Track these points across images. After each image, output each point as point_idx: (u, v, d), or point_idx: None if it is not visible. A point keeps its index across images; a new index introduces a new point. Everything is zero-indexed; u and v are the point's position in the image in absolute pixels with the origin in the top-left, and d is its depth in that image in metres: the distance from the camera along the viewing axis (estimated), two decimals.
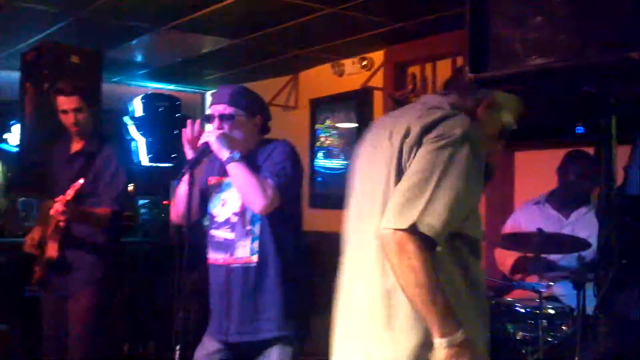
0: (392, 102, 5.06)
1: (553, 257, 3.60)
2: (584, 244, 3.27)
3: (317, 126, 5.71)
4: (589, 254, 3.25)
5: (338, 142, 5.54)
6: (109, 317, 3.44)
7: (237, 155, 2.49)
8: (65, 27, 4.59)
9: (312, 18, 4.31)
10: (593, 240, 3.18)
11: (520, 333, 3.13)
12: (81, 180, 3.15)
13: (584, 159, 3.68)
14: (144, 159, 6.18)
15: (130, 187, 4.07)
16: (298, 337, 2.58)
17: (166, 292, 5.21)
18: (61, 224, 3.27)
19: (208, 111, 2.68)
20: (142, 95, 6.34)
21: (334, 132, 5.57)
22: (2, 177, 8.92)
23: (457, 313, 1.64)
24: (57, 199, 3.12)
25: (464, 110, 1.81)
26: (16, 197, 7.90)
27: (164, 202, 7.29)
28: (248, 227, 2.57)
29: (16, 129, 6.74)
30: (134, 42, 5.06)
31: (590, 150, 3.71)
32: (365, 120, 5.29)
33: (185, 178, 2.51)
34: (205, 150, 2.55)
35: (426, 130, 1.72)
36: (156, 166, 6.29)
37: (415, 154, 1.72)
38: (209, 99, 6.65)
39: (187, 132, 2.62)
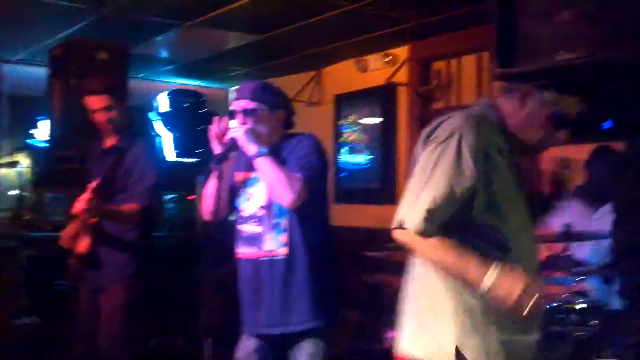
0: (417, 97, 5.04)
1: (581, 252, 3.57)
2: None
3: (341, 122, 5.71)
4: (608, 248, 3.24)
5: (362, 137, 5.54)
6: (139, 312, 3.45)
7: (264, 150, 2.50)
8: (91, 24, 4.64)
9: (336, 14, 4.30)
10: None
11: (550, 328, 3.11)
12: (98, 180, 3.17)
13: (612, 154, 3.64)
14: (170, 155, 6.23)
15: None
16: (328, 328, 2.59)
17: (193, 286, 5.27)
18: (90, 220, 3.31)
19: (232, 107, 2.69)
20: (168, 91, 6.39)
21: (358, 127, 5.57)
22: (30, 172, 9.05)
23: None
24: (80, 206, 3.15)
25: (500, 107, 1.84)
26: (44, 192, 8.02)
27: (190, 197, 7.36)
28: (275, 221, 2.58)
29: (44, 124, 6.84)
30: (159, 38, 5.10)
31: (619, 146, 3.66)
32: (389, 116, 5.28)
33: (213, 174, 2.52)
34: (232, 146, 2.56)
35: (427, 135, 1.88)
36: (182, 161, 6.34)
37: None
38: (232, 94, 6.68)
39: (213, 128, 2.63)
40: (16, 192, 9.06)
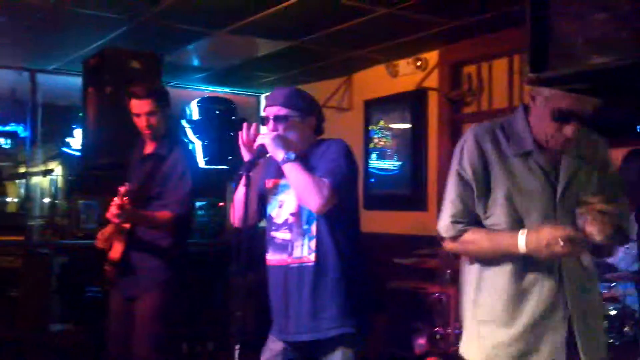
0: (447, 102, 5.01)
1: (613, 259, 3.51)
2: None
3: (371, 127, 5.69)
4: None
5: (392, 143, 5.52)
6: (172, 319, 3.46)
7: (292, 155, 2.50)
8: (124, 33, 4.70)
9: (366, 19, 4.30)
10: None
11: None
12: (127, 185, 3.19)
13: None
14: (201, 162, 6.29)
15: None
16: (358, 335, 2.58)
17: (223, 292, 5.31)
18: (123, 225, 3.33)
19: (262, 113, 2.70)
20: (199, 98, 6.46)
21: (388, 133, 5.55)
22: (63, 180, 9.20)
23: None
24: (114, 211, 3.17)
25: (529, 110, 2.04)
26: (77, 200, 8.14)
27: (220, 204, 7.41)
28: (305, 227, 2.57)
29: (78, 133, 6.95)
30: (191, 46, 5.15)
31: None
32: (419, 121, 5.25)
33: (243, 180, 2.53)
34: (261, 152, 2.56)
35: None
36: (212, 168, 6.39)
37: None
38: (264, 101, 6.71)
39: (243, 135, 2.64)
40: (50, 200, 9.23)
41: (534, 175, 2.02)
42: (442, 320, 4.04)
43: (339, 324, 2.54)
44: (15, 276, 5.36)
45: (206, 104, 6.41)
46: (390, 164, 5.51)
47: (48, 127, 6.50)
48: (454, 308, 3.94)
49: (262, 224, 2.79)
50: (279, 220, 2.65)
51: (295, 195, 2.58)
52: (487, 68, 4.79)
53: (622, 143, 3.78)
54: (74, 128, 7.40)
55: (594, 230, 1.84)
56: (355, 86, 5.93)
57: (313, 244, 2.55)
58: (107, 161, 4.45)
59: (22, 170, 7.42)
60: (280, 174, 2.60)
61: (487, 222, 2.07)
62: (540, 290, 2.01)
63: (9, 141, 7.54)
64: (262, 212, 2.73)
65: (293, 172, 2.49)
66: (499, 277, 2.07)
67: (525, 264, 2.01)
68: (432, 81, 5.11)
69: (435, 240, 4.63)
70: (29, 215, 6.70)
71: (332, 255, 2.55)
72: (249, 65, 5.72)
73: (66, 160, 8.57)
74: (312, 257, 2.55)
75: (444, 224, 2.12)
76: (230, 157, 6.22)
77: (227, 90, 6.79)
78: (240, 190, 2.60)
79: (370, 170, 5.64)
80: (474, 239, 2.06)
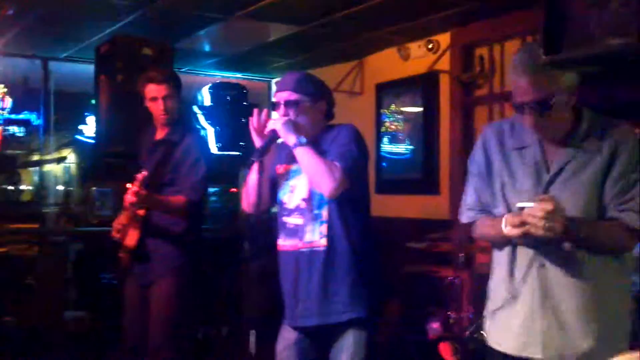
0: (459, 85, 4.98)
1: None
2: None
3: (383, 111, 5.68)
4: None
5: (403, 126, 5.50)
6: (187, 304, 3.48)
7: (303, 140, 2.50)
8: (135, 19, 4.70)
9: (378, 2, 4.27)
10: None
11: None
12: (144, 171, 3.21)
13: None
14: (213, 148, 6.30)
15: None
16: (369, 319, 2.59)
17: (236, 278, 5.33)
18: (139, 212, 3.34)
19: (273, 99, 2.70)
20: (210, 84, 6.46)
21: (400, 116, 5.53)
22: (77, 167, 9.26)
23: None
24: (130, 197, 3.19)
25: None
26: (91, 187, 8.19)
27: (232, 189, 7.43)
28: (316, 212, 2.58)
29: (91, 120, 6.99)
30: (201, 32, 5.15)
31: None
32: (431, 105, 5.23)
33: (255, 166, 2.54)
34: (272, 138, 2.57)
35: None
36: (224, 154, 6.40)
37: None
38: (275, 86, 6.70)
39: (254, 121, 2.65)
40: (64, 187, 9.28)
41: (527, 168, 2.06)
42: (455, 305, 4.04)
43: (350, 308, 2.55)
44: (30, 264, 5.41)
45: (218, 90, 6.42)
46: (402, 148, 5.49)
47: (61, 115, 6.53)
48: (467, 292, 3.94)
49: (274, 209, 2.80)
50: (290, 205, 2.66)
51: (307, 180, 2.58)
52: (499, 50, 4.75)
53: (636, 125, 3.74)
54: (87, 115, 7.43)
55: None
56: (367, 70, 5.90)
57: (324, 228, 2.56)
58: (120, 148, 4.47)
59: (35, 158, 7.46)
60: (292, 160, 2.60)
61: (495, 212, 2.14)
62: (525, 278, 2.05)
63: (22, 129, 7.59)
64: (273, 197, 2.74)
65: (305, 156, 2.49)
66: (500, 262, 2.15)
67: (514, 250, 2.08)
68: (444, 64, 5.07)
69: (447, 224, 4.68)
70: (43, 203, 6.76)
71: (342, 239, 2.56)
72: (260, 50, 5.71)
73: (79, 147, 8.61)
74: (323, 241, 2.56)
75: (460, 212, 2.28)
76: (242, 143, 6.23)
77: (239, 75, 6.79)
78: (252, 176, 2.60)
79: (382, 154, 5.62)
80: (483, 225, 2.19)
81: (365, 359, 2.56)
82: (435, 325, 4.12)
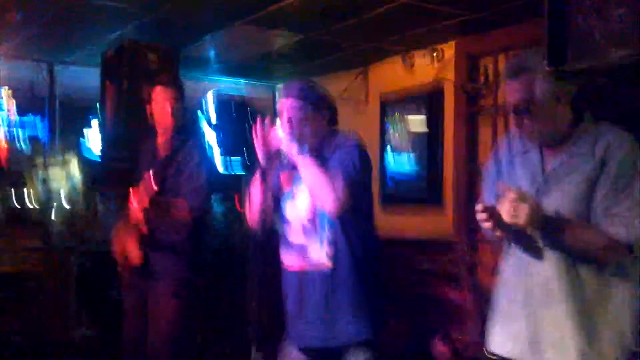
0: (463, 94, 4.97)
1: None
2: None
3: (387, 119, 5.67)
4: None
5: (407, 135, 5.49)
6: (189, 318, 3.45)
7: (306, 149, 2.50)
8: (141, 25, 4.71)
9: (383, 10, 4.28)
10: None
11: None
12: (155, 187, 3.19)
13: None
14: (216, 154, 6.30)
15: None
16: (375, 340, 2.56)
17: (239, 291, 5.30)
18: (143, 229, 3.32)
19: (277, 106, 2.71)
20: (214, 90, 6.46)
21: (404, 125, 5.52)
22: (80, 171, 9.26)
23: None
24: (133, 205, 3.17)
25: None
26: (95, 191, 8.18)
27: (235, 195, 7.42)
28: (320, 231, 2.57)
29: (96, 125, 6.99)
30: (206, 38, 5.15)
31: None
32: (435, 114, 5.23)
33: (257, 175, 2.53)
34: (275, 148, 2.57)
35: None
36: (228, 161, 6.40)
37: None
38: (278, 93, 6.71)
39: (257, 128, 2.65)
40: (67, 192, 9.29)
41: (526, 171, 2.09)
42: (461, 325, 4.01)
43: (356, 330, 2.53)
44: (36, 280, 5.39)
45: (221, 96, 6.42)
46: (406, 157, 5.48)
47: (66, 121, 6.54)
48: (473, 314, 3.92)
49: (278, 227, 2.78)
50: (293, 223, 2.64)
51: (309, 198, 2.57)
52: (504, 60, 4.75)
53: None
54: (92, 119, 7.43)
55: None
56: (371, 78, 5.90)
57: (328, 248, 2.55)
58: (124, 154, 4.47)
59: (39, 162, 7.46)
60: (294, 175, 2.60)
61: None
62: (517, 285, 2.10)
63: (26, 133, 7.59)
64: (276, 213, 2.73)
65: (307, 170, 2.49)
66: (501, 268, 2.23)
67: (512, 257, 2.15)
68: (449, 73, 5.07)
69: (451, 245, 4.62)
70: (47, 208, 6.75)
71: (347, 259, 2.54)
72: (265, 57, 5.72)
73: (83, 153, 8.61)
74: (328, 261, 2.54)
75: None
76: (245, 150, 6.23)
77: (243, 82, 6.79)
78: (256, 189, 2.60)
79: (386, 163, 5.62)
80: None
81: None
82: (440, 346, 4.10)
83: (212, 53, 5.72)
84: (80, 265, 5.76)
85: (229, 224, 7.16)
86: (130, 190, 3.23)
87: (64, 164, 7.12)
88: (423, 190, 5.29)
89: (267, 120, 2.65)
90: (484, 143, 4.85)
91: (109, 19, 4.63)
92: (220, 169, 6.27)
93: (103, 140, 5.12)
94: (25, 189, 8.46)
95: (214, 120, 6.37)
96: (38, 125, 7.12)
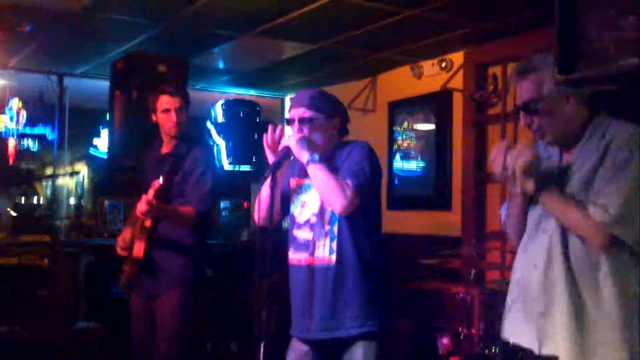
0: (472, 103, 4.98)
1: None
2: None
3: (395, 128, 5.69)
4: None
5: (416, 144, 5.51)
6: (195, 317, 3.48)
7: (316, 157, 2.52)
8: (151, 37, 4.75)
9: (392, 21, 4.30)
10: None
11: None
12: (161, 180, 3.22)
13: None
14: (225, 163, 6.33)
15: None
16: (380, 334, 2.58)
17: (247, 292, 5.33)
18: (146, 223, 3.36)
19: (287, 115, 2.72)
20: (224, 101, 6.50)
21: (412, 134, 5.54)
22: (89, 181, 9.33)
23: None
24: (141, 198, 3.21)
25: None
26: (103, 201, 8.25)
27: (244, 204, 7.45)
28: (327, 227, 2.59)
29: (105, 135, 7.05)
30: (216, 49, 5.19)
31: None
32: (443, 122, 5.24)
33: (268, 181, 2.55)
34: (286, 154, 2.58)
35: None
36: (237, 169, 6.43)
37: None
38: (288, 103, 6.74)
39: (267, 137, 2.67)
40: (76, 201, 9.36)
41: (548, 174, 2.08)
42: (465, 321, 4.03)
43: (360, 322, 2.55)
44: (42, 275, 5.44)
45: (231, 106, 6.46)
46: (414, 165, 5.50)
47: (75, 130, 6.60)
48: (477, 308, 3.93)
49: (286, 224, 2.81)
50: (300, 219, 2.67)
51: (318, 196, 2.59)
52: (513, 69, 4.75)
53: None
54: (101, 130, 7.50)
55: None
56: (380, 87, 5.92)
57: (335, 244, 2.57)
58: (132, 163, 4.50)
59: (49, 172, 7.53)
60: (304, 174, 2.62)
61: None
62: (526, 276, 2.11)
63: (37, 143, 7.66)
64: (285, 211, 2.75)
65: (317, 173, 2.51)
66: (515, 260, 2.25)
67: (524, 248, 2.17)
68: (457, 82, 5.08)
69: (458, 241, 4.66)
70: (55, 216, 6.81)
71: (353, 256, 2.56)
72: (274, 67, 5.75)
73: (92, 162, 8.69)
74: (334, 257, 2.56)
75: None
76: (254, 159, 6.26)
77: (252, 92, 6.83)
78: (265, 190, 2.62)
79: (394, 171, 5.63)
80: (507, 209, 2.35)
81: None
82: (445, 341, 4.11)
83: (221, 63, 5.76)
84: (86, 261, 5.78)
85: (236, 224, 7.20)
86: (142, 195, 3.25)
87: (73, 172, 7.19)
88: (431, 196, 5.31)
89: (278, 129, 2.67)
90: (492, 150, 4.84)
91: (119, 31, 4.67)
92: (227, 173, 6.31)
93: (112, 149, 5.14)
94: (35, 198, 8.54)
95: (223, 130, 6.40)
96: (48, 134, 7.19)
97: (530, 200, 2.12)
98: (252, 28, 4.58)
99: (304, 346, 2.67)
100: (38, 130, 7.57)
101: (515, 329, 2.13)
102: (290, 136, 2.59)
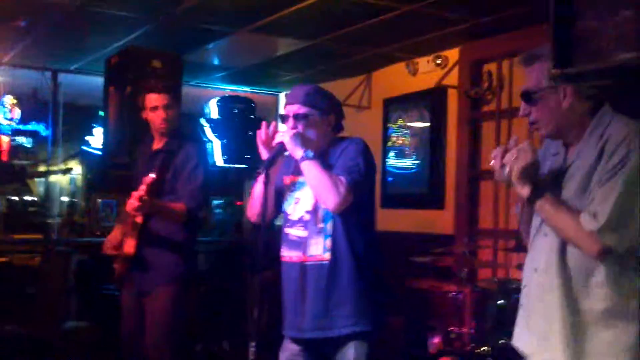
0: (467, 100, 4.98)
1: None
2: None
3: (390, 125, 5.68)
4: None
5: (410, 141, 5.50)
6: (186, 315, 3.48)
7: (310, 153, 2.51)
8: (145, 33, 4.73)
9: (387, 17, 4.29)
10: None
11: None
12: (153, 175, 3.21)
13: None
14: (219, 160, 6.31)
15: None
16: (372, 333, 2.58)
17: (240, 290, 5.33)
18: (137, 219, 3.34)
19: (282, 111, 2.71)
20: (218, 97, 6.48)
21: (407, 131, 5.53)
22: (82, 179, 9.28)
23: None
24: (132, 194, 3.20)
25: None
26: (96, 199, 8.21)
27: (238, 202, 7.44)
28: (320, 225, 2.58)
29: (98, 132, 7.01)
30: (210, 45, 5.17)
31: None
32: (438, 119, 5.23)
33: (261, 177, 2.54)
34: (280, 150, 2.58)
35: None
36: (230, 167, 6.41)
37: None
38: (283, 100, 6.72)
39: (262, 133, 2.66)
40: (69, 198, 9.30)
41: (552, 173, 2.05)
42: (457, 320, 4.02)
43: (353, 322, 2.54)
44: (33, 273, 5.41)
45: (225, 102, 6.44)
46: (408, 163, 5.49)
47: (69, 126, 6.56)
48: (469, 307, 3.93)
49: (279, 222, 2.79)
50: (294, 217, 2.66)
51: (312, 193, 2.58)
52: (508, 66, 4.76)
53: None
54: (94, 127, 7.46)
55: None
56: (375, 84, 5.92)
57: (329, 242, 2.56)
58: (126, 160, 4.48)
59: (42, 169, 7.48)
60: (298, 171, 2.61)
61: None
62: (526, 282, 2.11)
63: (30, 140, 7.62)
64: (278, 208, 2.74)
65: (311, 170, 2.50)
66: None
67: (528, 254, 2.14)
68: (452, 79, 5.08)
69: (450, 239, 4.65)
70: (48, 213, 6.77)
71: (347, 254, 2.55)
72: (269, 64, 5.73)
73: (85, 159, 8.64)
74: (327, 255, 2.55)
75: None
76: (248, 156, 6.24)
77: (247, 89, 6.81)
78: (258, 186, 2.61)
79: (388, 168, 5.62)
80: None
81: None
82: (436, 340, 4.10)
83: (216, 60, 5.74)
84: (77, 259, 5.75)
85: (230, 221, 7.17)
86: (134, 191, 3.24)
87: (66, 169, 7.15)
88: (425, 194, 5.30)
89: (272, 125, 2.66)
90: (486, 148, 4.86)
91: (114, 26, 4.65)
92: (221, 171, 6.29)
93: (106, 146, 5.12)
94: (28, 195, 8.49)
95: (217, 127, 6.38)
96: (42, 131, 7.15)
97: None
98: (247, 24, 4.57)
99: (296, 346, 2.66)
100: (32, 126, 7.52)
101: (519, 334, 2.11)
102: (284, 132, 2.58)
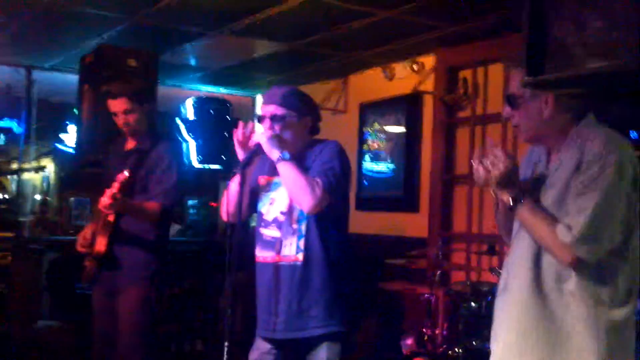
0: (442, 106, 5.03)
1: None
2: None
3: (365, 129, 5.71)
4: None
5: (386, 145, 5.54)
6: (158, 314, 3.46)
7: (287, 155, 2.51)
8: (121, 32, 4.70)
9: (364, 23, 4.32)
10: None
11: None
12: (126, 173, 3.20)
13: None
14: (194, 161, 6.29)
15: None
16: (345, 334, 2.59)
17: (214, 291, 5.31)
18: (109, 217, 3.32)
19: (259, 112, 2.71)
20: (194, 98, 6.46)
21: (382, 135, 5.57)
22: (55, 177, 9.19)
23: None
24: (105, 192, 3.18)
25: None
26: (69, 197, 8.13)
27: (212, 203, 7.42)
28: (295, 226, 2.59)
29: (72, 129, 6.95)
30: (187, 46, 5.16)
31: None
32: (414, 124, 5.28)
33: (237, 178, 2.54)
34: (256, 151, 2.57)
35: None
36: (206, 168, 6.39)
37: None
38: (259, 101, 6.72)
39: (238, 133, 2.65)
40: (41, 196, 9.21)
41: (534, 180, 2.06)
42: (430, 321, 4.06)
43: (325, 323, 2.55)
44: (4, 272, 5.35)
45: (201, 103, 6.42)
46: (383, 166, 5.53)
47: (42, 124, 6.50)
48: (442, 309, 3.97)
49: (254, 223, 2.80)
50: (268, 217, 2.66)
51: (287, 194, 2.59)
52: (483, 73, 4.82)
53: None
54: (68, 124, 7.40)
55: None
56: (351, 88, 5.95)
57: (302, 243, 2.56)
58: (100, 158, 4.44)
59: (14, 166, 7.40)
60: (274, 172, 2.61)
61: None
62: (499, 296, 2.13)
63: (2, 137, 7.53)
64: (253, 208, 2.74)
65: (287, 171, 2.50)
66: None
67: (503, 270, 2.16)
68: (428, 85, 5.13)
69: (424, 242, 4.70)
70: (20, 211, 6.69)
71: (320, 255, 2.56)
72: (246, 66, 5.73)
73: (59, 157, 8.56)
74: (301, 256, 2.56)
75: None
76: (223, 157, 6.23)
77: (223, 90, 6.79)
78: (234, 186, 2.61)
79: (364, 172, 5.65)
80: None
81: None
82: (409, 341, 4.14)
83: (192, 60, 5.72)
84: (50, 258, 5.69)
85: (204, 222, 7.14)
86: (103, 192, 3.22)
87: (39, 167, 7.08)
88: (399, 197, 5.34)
89: (249, 125, 2.66)
90: (461, 153, 4.91)
91: (89, 25, 4.61)
92: (196, 171, 6.26)
93: (79, 144, 5.07)
94: (0, 192, 8.39)
95: (192, 127, 6.36)
96: (15, 128, 7.06)
97: None
98: (224, 25, 4.57)
99: (267, 345, 2.66)
100: (4, 123, 7.43)
101: (495, 336, 2.11)
102: (261, 133, 2.59)
